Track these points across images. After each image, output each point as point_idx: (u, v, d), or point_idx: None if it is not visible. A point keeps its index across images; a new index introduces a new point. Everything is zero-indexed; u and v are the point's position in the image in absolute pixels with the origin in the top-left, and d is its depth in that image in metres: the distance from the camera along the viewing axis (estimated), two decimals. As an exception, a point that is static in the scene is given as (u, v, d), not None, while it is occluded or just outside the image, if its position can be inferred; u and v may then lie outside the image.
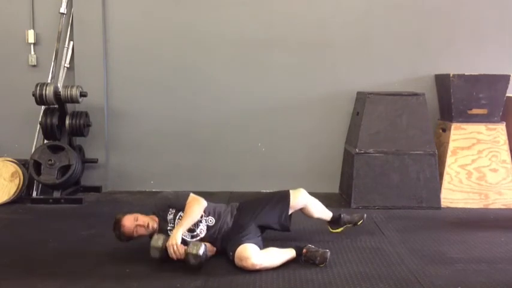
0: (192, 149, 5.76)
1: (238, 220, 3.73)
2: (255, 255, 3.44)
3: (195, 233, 3.63)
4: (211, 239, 3.66)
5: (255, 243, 3.55)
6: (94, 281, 3.29)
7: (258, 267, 3.41)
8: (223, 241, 3.66)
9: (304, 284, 3.25)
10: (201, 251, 3.37)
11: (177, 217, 3.63)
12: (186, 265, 3.40)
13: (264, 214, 3.77)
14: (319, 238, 4.11)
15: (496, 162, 5.20)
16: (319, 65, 5.67)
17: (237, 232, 3.63)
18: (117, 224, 3.63)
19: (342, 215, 4.10)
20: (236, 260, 3.47)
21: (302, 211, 3.95)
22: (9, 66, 5.70)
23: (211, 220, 3.68)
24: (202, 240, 3.60)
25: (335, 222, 4.10)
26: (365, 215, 4.16)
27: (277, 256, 3.54)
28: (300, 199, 3.85)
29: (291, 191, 3.86)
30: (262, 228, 3.79)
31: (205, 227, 3.66)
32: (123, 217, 3.64)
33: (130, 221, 3.61)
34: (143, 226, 3.61)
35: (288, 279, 3.32)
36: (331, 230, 4.11)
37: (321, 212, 4.05)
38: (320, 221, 4.15)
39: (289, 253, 3.59)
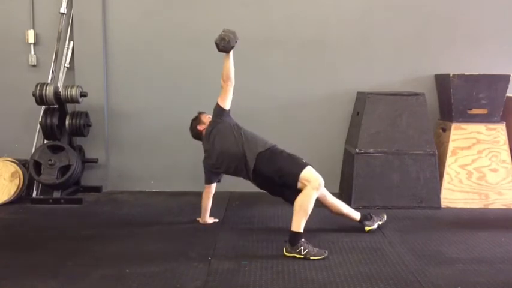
0: (192, 149, 5.72)
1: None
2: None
3: None
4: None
5: None
6: (94, 281, 3.29)
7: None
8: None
9: (304, 284, 3.25)
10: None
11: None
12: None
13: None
14: (319, 238, 4.11)
15: (496, 162, 5.20)
16: (319, 65, 5.67)
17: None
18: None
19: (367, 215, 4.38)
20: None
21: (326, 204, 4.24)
22: (9, 66, 5.70)
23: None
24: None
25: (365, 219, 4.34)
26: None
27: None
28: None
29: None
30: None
31: None
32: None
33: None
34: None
35: (288, 279, 3.32)
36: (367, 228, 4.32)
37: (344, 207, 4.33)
38: (321, 221, 4.16)
39: None
